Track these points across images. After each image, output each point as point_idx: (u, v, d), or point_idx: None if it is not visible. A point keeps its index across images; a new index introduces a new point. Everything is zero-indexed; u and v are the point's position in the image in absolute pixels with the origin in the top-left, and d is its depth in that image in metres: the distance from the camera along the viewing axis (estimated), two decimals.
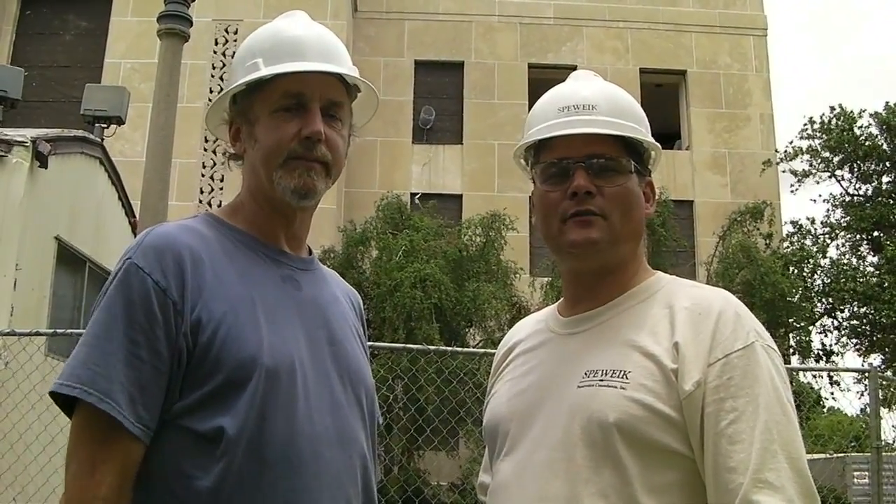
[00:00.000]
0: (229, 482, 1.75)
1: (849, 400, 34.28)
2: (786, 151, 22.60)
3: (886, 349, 21.11)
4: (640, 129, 2.04)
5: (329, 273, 2.25)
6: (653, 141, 2.07)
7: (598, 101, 2.02)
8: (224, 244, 1.96)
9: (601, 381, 1.84)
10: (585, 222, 1.94)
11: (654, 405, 1.77)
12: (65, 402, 1.78)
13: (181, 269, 1.83)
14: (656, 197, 2.14)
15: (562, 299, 2.15)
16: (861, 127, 21.76)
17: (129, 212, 13.08)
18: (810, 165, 22.43)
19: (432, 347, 8.63)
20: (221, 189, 20.59)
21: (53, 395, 1.79)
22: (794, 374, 17.69)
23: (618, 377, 1.83)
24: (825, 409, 24.45)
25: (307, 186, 1.98)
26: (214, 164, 20.81)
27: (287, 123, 1.96)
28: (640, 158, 2.04)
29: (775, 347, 1.85)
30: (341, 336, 2.07)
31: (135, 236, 2.01)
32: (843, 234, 22.01)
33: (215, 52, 21.48)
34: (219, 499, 1.75)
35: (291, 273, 2.04)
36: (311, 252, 2.18)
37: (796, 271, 20.65)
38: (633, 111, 2.06)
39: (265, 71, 1.97)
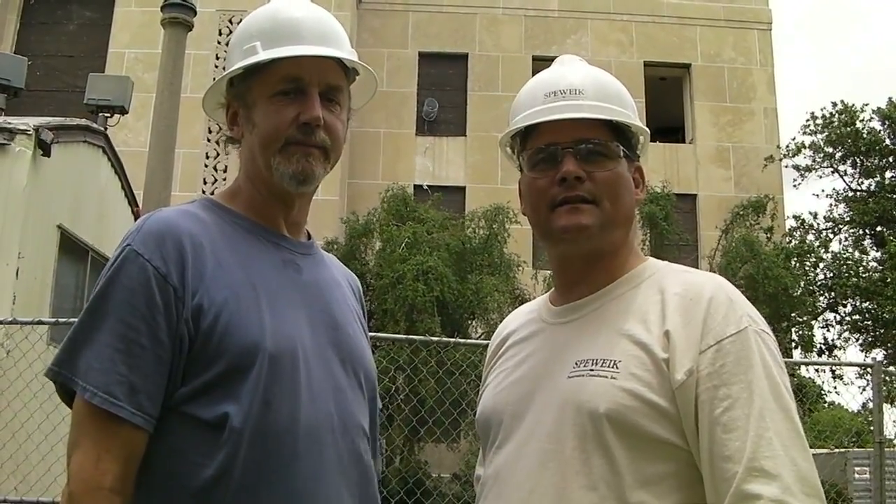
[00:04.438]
0: (233, 468, 1.75)
1: (852, 394, 34.21)
2: (788, 146, 22.57)
3: (889, 344, 21.09)
4: (627, 113, 2.00)
5: (329, 257, 2.23)
6: (641, 125, 2.04)
7: (584, 85, 1.99)
8: (224, 229, 1.94)
9: (591, 370, 1.82)
10: (575, 209, 1.92)
11: (645, 395, 1.75)
12: (62, 384, 1.79)
13: (181, 255, 1.81)
14: (646, 183, 2.11)
15: (553, 289, 2.13)
16: (863, 122, 21.73)
17: (132, 201, 13.07)
18: (813, 160, 22.41)
19: (434, 339, 8.64)
20: (224, 179, 20.58)
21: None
22: (797, 367, 17.72)
23: (608, 367, 1.80)
24: (826, 404, 24.43)
25: (306, 172, 1.96)
26: (218, 154, 20.79)
27: (285, 108, 1.94)
28: (629, 143, 2.01)
29: (769, 332, 1.82)
30: (343, 320, 2.05)
31: None
32: (845, 228, 22.00)
33: (219, 43, 21.45)
34: (223, 485, 1.74)
35: (292, 257, 2.02)
36: (310, 236, 2.16)
37: (799, 266, 20.63)
38: (620, 95, 2.03)
39: (263, 55, 1.95)
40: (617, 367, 1.79)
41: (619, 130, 1.98)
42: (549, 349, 1.98)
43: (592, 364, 1.83)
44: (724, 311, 1.78)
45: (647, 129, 2.08)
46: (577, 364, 1.86)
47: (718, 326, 1.77)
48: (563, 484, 1.78)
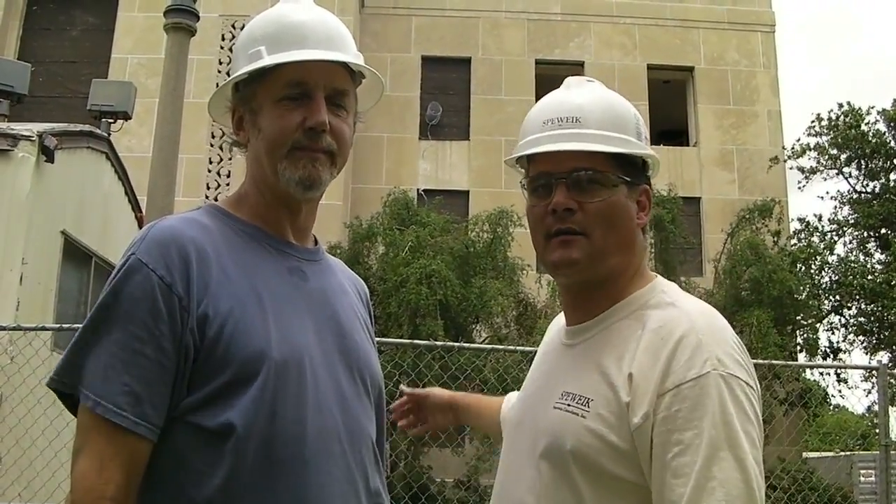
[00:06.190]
0: (240, 478, 1.73)
1: (857, 397, 34.22)
2: (793, 148, 22.53)
3: (893, 346, 21.05)
4: (628, 139, 1.97)
5: (336, 263, 2.21)
6: (644, 152, 2.01)
7: (584, 112, 1.97)
8: (229, 236, 1.93)
9: (569, 405, 1.86)
10: (566, 241, 1.92)
11: (607, 437, 1.78)
12: (66, 393, 1.78)
13: (186, 264, 1.80)
14: (651, 208, 2.08)
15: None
16: (868, 124, 21.69)
17: (135, 207, 13.09)
18: (818, 162, 22.36)
19: (439, 343, 8.62)
20: (228, 184, 20.60)
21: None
22: (802, 371, 17.69)
23: (581, 404, 1.84)
24: (832, 407, 24.40)
25: (312, 177, 1.94)
26: (221, 159, 20.81)
27: (291, 113, 1.92)
28: (633, 167, 1.99)
29: (740, 375, 1.77)
30: (349, 327, 2.04)
31: None
32: (850, 230, 21.94)
33: (222, 48, 21.48)
34: (229, 495, 1.73)
35: (298, 264, 2.00)
36: (316, 242, 2.15)
37: (804, 268, 20.59)
38: (623, 121, 1.99)
39: (268, 60, 1.93)
40: (588, 406, 1.83)
41: (620, 155, 1.96)
42: (552, 373, 2.05)
43: (571, 399, 1.87)
44: (688, 354, 1.76)
45: (654, 154, 2.05)
46: (562, 395, 1.90)
47: (680, 370, 1.75)
48: None
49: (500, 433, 2.55)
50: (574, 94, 2.04)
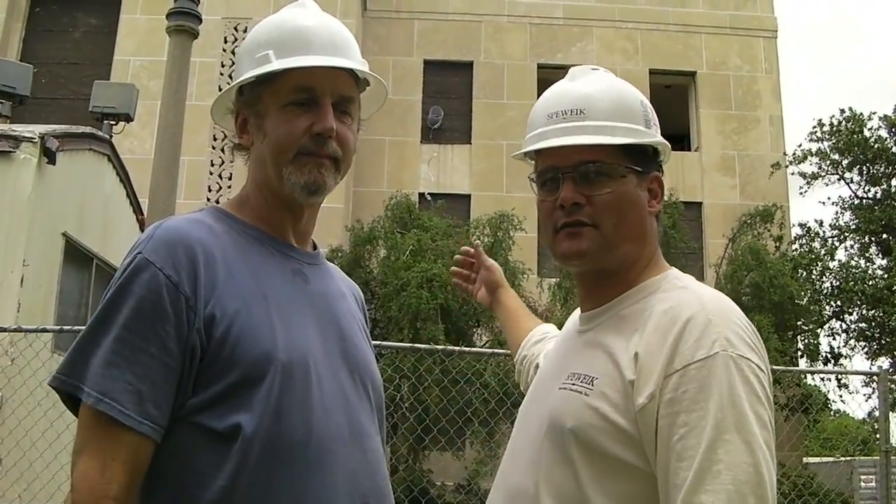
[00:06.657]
0: (244, 480, 1.73)
1: (858, 403, 34.14)
2: (795, 154, 22.54)
3: (894, 352, 21.03)
4: (636, 128, 1.96)
5: (333, 268, 2.22)
6: (653, 140, 1.99)
7: (589, 103, 1.95)
8: (234, 238, 1.93)
9: (573, 385, 1.84)
10: (574, 233, 1.91)
11: (609, 415, 1.75)
12: (68, 392, 1.77)
13: (193, 264, 1.80)
14: (664, 195, 2.06)
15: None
16: (870, 129, 21.69)
17: (137, 209, 13.08)
18: (819, 168, 22.37)
19: (440, 347, 8.60)
20: (230, 187, 20.59)
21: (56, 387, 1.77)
22: (803, 376, 17.68)
23: (585, 383, 1.82)
24: (832, 413, 24.38)
25: (317, 182, 1.95)
26: (223, 161, 20.81)
27: (298, 118, 1.93)
28: (643, 156, 1.97)
29: (751, 357, 1.72)
30: (349, 331, 2.05)
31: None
32: (851, 236, 21.94)
33: (224, 51, 21.48)
34: (233, 496, 1.72)
35: (300, 267, 2.01)
36: (315, 247, 2.15)
37: (805, 274, 20.58)
38: (629, 110, 1.97)
39: (277, 64, 1.93)
40: (592, 385, 1.81)
41: (628, 145, 1.94)
42: (564, 356, 2.04)
43: (575, 378, 1.86)
44: (696, 335, 1.72)
45: (663, 139, 2.02)
46: (568, 376, 1.89)
47: (688, 351, 1.71)
48: (536, 488, 1.84)
49: (516, 350, 2.69)
50: (579, 84, 2.02)
